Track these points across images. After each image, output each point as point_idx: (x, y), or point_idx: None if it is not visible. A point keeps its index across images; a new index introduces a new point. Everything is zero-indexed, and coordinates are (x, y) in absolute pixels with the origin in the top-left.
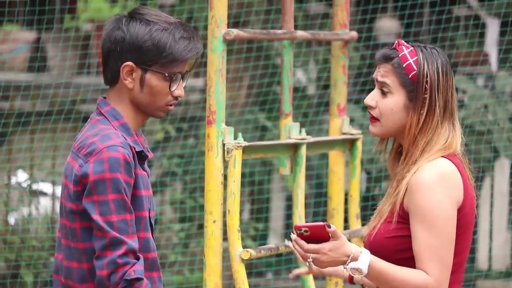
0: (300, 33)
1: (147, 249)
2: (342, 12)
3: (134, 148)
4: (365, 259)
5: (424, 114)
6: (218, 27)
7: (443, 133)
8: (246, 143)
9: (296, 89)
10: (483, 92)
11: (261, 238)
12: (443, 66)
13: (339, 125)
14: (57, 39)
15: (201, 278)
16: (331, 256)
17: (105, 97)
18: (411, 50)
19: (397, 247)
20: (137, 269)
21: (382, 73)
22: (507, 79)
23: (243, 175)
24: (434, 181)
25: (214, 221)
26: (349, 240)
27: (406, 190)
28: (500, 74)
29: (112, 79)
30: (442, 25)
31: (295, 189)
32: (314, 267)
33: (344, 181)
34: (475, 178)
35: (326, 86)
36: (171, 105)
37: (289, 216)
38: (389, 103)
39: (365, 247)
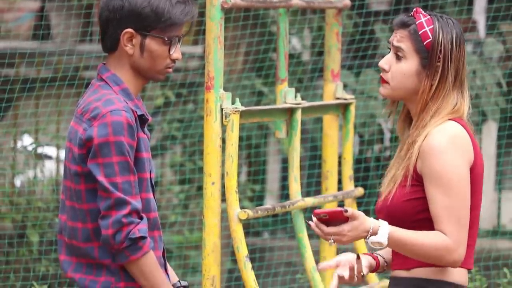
0: (295, 1)
1: (149, 209)
2: None
3: (136, 112)
4: (384, 232)
5: (437, 81)
6: None
7: (452, 100)
8: (243, 108)
9: (291, 56)
10: (471, 58)
11: (258, 199)
12: (457, 36)
13: (333, 90)
14: (60, 7)
15: (201, 237)
16: (351, 235)
17: (105, 63)
18: (428, 19)
19: (414, 209)
20: (141, 228)
21: (398, 38)
22: (494, 45)
23: (240, 138)
24: (445, 144)
25: (213, 183)
26: (342, 201)
27: (418, 154)
28: (488, 41)
29: (112, 46)
30: None
31: (290, 152)
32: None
33: (338, 144)
34: None
35: (320, 53)
36: (170, 68)
37: (284, 178)
38: (402, 67)
39: (381, 211)
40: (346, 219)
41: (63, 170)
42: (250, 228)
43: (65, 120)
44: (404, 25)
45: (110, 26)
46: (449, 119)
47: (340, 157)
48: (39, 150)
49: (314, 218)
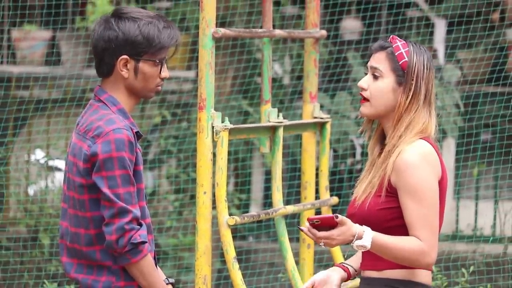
0: (278, 32)
1: (144, 216)
2: (313, 13)
3: (133, 129)
4: (368, 237)
5: (410, 96)
6: (208, 26)
7: (422, 117)
8: (231, 126)
9: (274, 80)
10: None
11: (244, 206)
12: (428, 60)
13: (311, 110)
14: (69, 37)
15: (193, 241)
16: (340, 239)
17: (100, 86)
18: (403, 43)
19: (386, 217)
20: (141, 233)
21: (376, 60)
22: (453, 71)
23: (229, 153)
24: (418, 161)
25: (205, 192)
26: (319, 209)
27: (392, 169)
28: (447, 67)
29: (108, 72)
30: (398, 25)
31: (273, 165)
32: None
33: (315, 158)
34: None
35: (300, 77)
36: (159, 86)
37: (268, 188)
38: (380, 85)
39: (355, 215)
40: (335, 225)
41: (67, 181)
42: (237, 232)
43: None
44: (382, 48)
45: (106, 54)
46: (420, 138)
47: (317, 170)
48: (50, 163)
49: (307, 224)
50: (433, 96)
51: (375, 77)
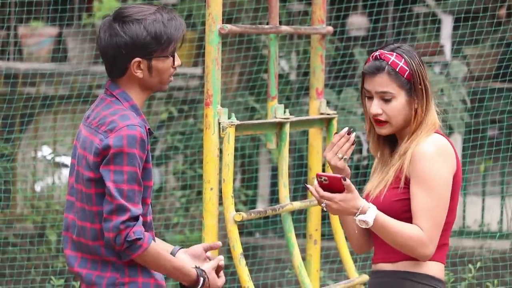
0: (284, 28)
1: (150, 212)
2: (320, 9)
3: (146, 127)
4: (372, 213)
5: (425, 100)
6: (214, 23)
7: (431, 114)
8: (238, 122)
9: (280, 76)
10: (439, 78)
11: (251, 203)
12: (419, 58)
13: (317, 106)
14: (76, 33)
15: (200, 237)
16: (342, 206)
17: (111, 80)
18: (396, 55)
19: (403, 208)
20: (136, 230)
21: (380, 84)
22: (459, 66)
23: (235, 149)
24: (435, 153)
25: (211, 189)
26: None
27: (410, 160)
28: (454, 63)
29: (121, 74)
30: (404, 21)
31: (280, 161)
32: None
33: (322, 154)
34: None
35: (306, 73)
36: (172, 76)
37: (274, 184)
38: (396, 105)
39: None
40: (342, 190)
41: (75, 175)
42: (244, 228)
43: None
44: (379, 69)
45: (118, 60)
46: (435, 132)
47: (324, 166)
48: (57, 159)
49: (315, 181)
50: (431, 87)
51: (387, 100)
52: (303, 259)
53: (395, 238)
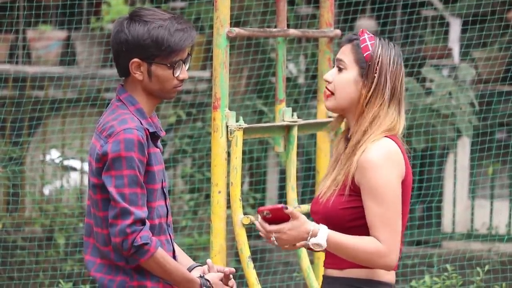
0: (292, 31)
1: (158, 215)
2: (328, 13)
3: (148, 130)
4: (323, 234)
5: (372, 89)
6: (222, 26)
7: (390, 114)
8: (246, 125)
9: (288, 79)
10: (447, 81)
11: (259, 206)
12: (395, 55)
13: (325, 109)
14: (84, 37)
15: (208, 240)
16: (292, 235)
17: (122, 85)
18: (370, 36)
19: (349, 216)
20: (143, 235)
21: (342, 52)
22: (467, 69)
23: (243, 152)
24: (381, 159)
25: (219, 192)
26: None
27: (356, 168)
28: (462, 66)
29: (124, 73)
30: (413, 24)
31: (288, 164)
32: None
33: (330, 157)
34: (440, 155)
35: (314, 76)
36: (178, 87)
37: (282, 187)
38: (343, 77)
39: (318, 213)
40: (288, 218)
41: (88, 180)
42: (252, 232)
43: (88, 136)
44: (349, 40)
45: (120, 56)
46: (385, 136)
47: None
48: (65, 162)
49: (259, 217)
50: (402, 95)
51: (340, 70)
52: (311, 262)
53: (352, 254)
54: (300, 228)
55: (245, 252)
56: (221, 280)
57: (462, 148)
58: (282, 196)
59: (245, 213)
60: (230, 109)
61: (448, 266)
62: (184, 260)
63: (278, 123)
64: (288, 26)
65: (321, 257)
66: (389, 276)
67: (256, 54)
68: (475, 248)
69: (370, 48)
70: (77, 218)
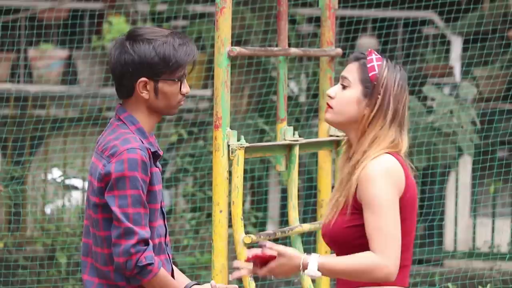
0: (293, 50)
1: (158, 235)
2: (329, 31)
3: (150, 150)
4: (313, 265)
5: (375, 110)
6: (223, 45)
7: (390, 135)
8: (247, 144)
9: (289, 98)
10: (449, 99)
11: (260, 225)
12: (400, 79)
13: (327, 128)
14: (86, 56)
15: (210, 259)
16: (284, 270)
17: (121, 104)
18: (378, 57)
19: (355, 234)
20: (147, 255)
21: (347, 70)
22: (469, 88)
23: (245, 171)
24: (378, 173)
25: (221, 211)
26: None
27: (357, 185)
28: (463, 84)
29: (128, 94)
30: (414, 43)
31: (289, 183)
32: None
33: (331, 176)
34: (442, 173)
35: (315, 95)
36: (181, 102)
37: (284, 206)
38: (345, 94)
39: (325, 235)
40: (274, 257)
41: (87, 200)
42: None
43: (90, 155)
44: (356, 59)
45: (124, 78)
46: (386, 152)
47: (333, 187)
48: (67, 182)
49: (250, 265)
50: (404, 117)
51: (344, 87)
52: (313, 281)
53: (350, 274)
54: (288, 264)
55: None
56: None
57: (463, 167)
58: (284, 215)
59: (246, 232)
60: (231, 128)
61: (450, 285)
62: (179, 278)
63: (279, 142)
64: (289, 45)
65: (323, 276)
66: None
67: (257, 73)
68: (477, 267)
69: (376, 69)
70: (79, 237)
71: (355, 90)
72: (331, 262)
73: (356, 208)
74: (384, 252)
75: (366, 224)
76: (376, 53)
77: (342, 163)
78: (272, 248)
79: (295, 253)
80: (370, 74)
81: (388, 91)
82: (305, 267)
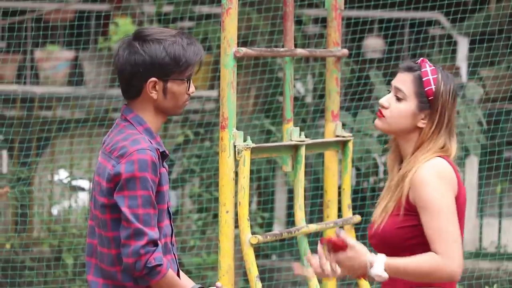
0: (299, 51)
1: (165, 235)
2: (335, 32)
3: (158, 150)
4: (379, 265)
5: (434, 125)
6: (230, 46)
7: (441, 141)
8: (253, 145)
9: (296, 99)
10: None
11: (267, 225)
12: (454, 89)
13: (333, 129)
14: (92, 57)
15: (216, 260)
16: (349, 264)
17: (127, 105)
18: (432, 69)
19: (406, 235)
20: (156, 256)
21: (401, 81)
22: (475, 89)
23: (251, 172)
24: (433, 176)
25: (227, 211)
26: (341, 227)
27: (410, 187)
28: (470, 85)
29: (136, 95)
30: (420, 43)
31: (295, 183)
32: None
33: (338, 176)
34: None
35: (322, 96)
36: (187, 102)
37: (290, 207)
38: (401, 107)
39: (374, 236)
40: (345, 249)
41: (93, 200)
42: (260, 251)
43: (96, 156)
44: (409, 69)
45: (134, 79)
46: (437, 156)
47: (339, 188)
48: (74, 183)
49: (323, 247)
50: (454, 123)
51: (398, 99)
52: (320, 281)
53: (413, 274)
54: (356, 259)
55: (253, 272)
56: None
57: (470, 167)
58: (290, 216)
59: (253, 233)
60: (237, 128)
61: (456, 285)
62: (184, 279)
63: (285, 142)
64: (296, 45)
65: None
66: None
67: (263, 74)
68: (484, 267)
69: (432, 84)
70: (85, 238)
71: (410, 104)
72: (396, 262)
73: (408, 210)
74: (447, 253)
75: (425, 227)
76: (430, 64)
77: (391, 161)
78: (344, 238)
79: (363, 249)
80: (426, 89)
81: (445, 105)
82: (371, 266)
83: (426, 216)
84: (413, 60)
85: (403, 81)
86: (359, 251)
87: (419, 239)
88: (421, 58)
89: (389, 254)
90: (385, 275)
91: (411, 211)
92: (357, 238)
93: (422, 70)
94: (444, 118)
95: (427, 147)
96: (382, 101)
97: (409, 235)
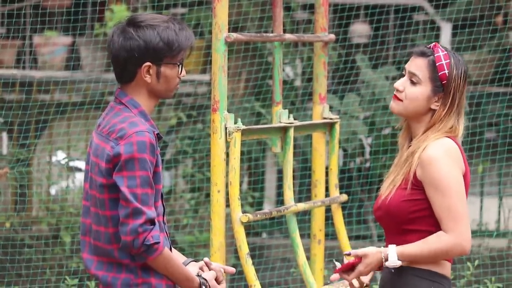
0: (288, 36)
1: (158, 214)
2: (323, 18)
3: (155, 132)
4: (393, 255)
5: (447, 107)
6: (221, 31)
7: (450, 121)
8: (244, 127)
9: (285, 82)
10: None
11: (257, 204)
12: (465, 73)
13: (321, 111)
14: (88, 42)
15: (209, 237)
16: (369, 269)
17: (120, 88)
18: (445, 54)
19: (410, 208)
20: (154, 234)
21: (416, 66)
22: None
23: (242, 153)
24: (441, 155)
25: (219, 191)
26: (329, 206)
27: (418, 164)
28: None
29: (130, 79)
30: (404, 28)
31: (284, 164)
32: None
33: (325, 157)
34: None
35: (310, 79)
36: (178, 85)
37: (280, 186)
38: (416, 91)
39: (380, 208)
40: (359, 261)
41: (89, 181)
42: (250, 229)
43: None
44: (423, 54)
45: (129, 63)
46: (446, 136)
47: (327, 168)
48: (71, 163)
49: (338, 273)
50: (463, 105)
51: (412, 83)
52: (308, 258)
53: (427, 257)
54: (373, 262)
55: (244, 249)
56: (216, 278)
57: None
58: (279, 195)
59: (243, 212)
60: (228, 111)
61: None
62: (177, 256)
63: (275, 124)
64: (284, 31)
65: (317, 253)
66: (448, 270)
67: (253, 58)
68: None
69: (446, 68)
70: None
71: (425, 88)
72: (408, 249)
73: (415, 185)
74: (456, 230)
75: (434, 205)
76: (442, 49)
77: (402, 139)
78: (356, 254)
79: (374, 249)
80: (439, 73)
81: (457, 87)
82: (386, 259)
83: (435, 194)
84: (426, 44)
85: (418, 66)
86: (371, 253)
87: (422, 212)
88: (434, 43)
89: (392, 226)
90: (399, 263)
91: (417, 186)
92: (344, 216)
93: (435, 55)
94: (455, 100)
95: (438, 128)
96: (397, 85)
97: (413, 209)
